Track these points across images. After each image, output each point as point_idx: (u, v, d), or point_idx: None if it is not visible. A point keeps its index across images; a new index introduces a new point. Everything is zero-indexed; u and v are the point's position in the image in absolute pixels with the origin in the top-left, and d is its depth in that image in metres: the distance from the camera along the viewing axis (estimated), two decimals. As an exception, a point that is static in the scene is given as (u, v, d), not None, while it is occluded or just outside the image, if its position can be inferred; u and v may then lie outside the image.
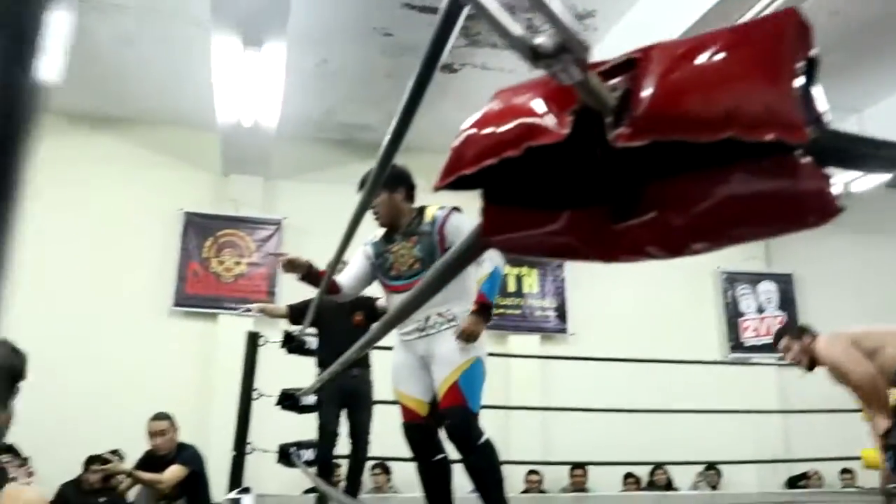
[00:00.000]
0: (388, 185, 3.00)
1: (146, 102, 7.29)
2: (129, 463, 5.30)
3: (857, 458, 5.03)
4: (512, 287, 8.17)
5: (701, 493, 7.13)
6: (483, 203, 0.66)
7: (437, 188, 0.67)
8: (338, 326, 4.13)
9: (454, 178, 0.63)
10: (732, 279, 8.92)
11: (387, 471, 6.65)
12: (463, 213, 2.98)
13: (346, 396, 4.24)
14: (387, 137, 1.65)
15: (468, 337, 2.76)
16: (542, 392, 7.65)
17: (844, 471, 7.62)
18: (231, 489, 4.88)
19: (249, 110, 6.35)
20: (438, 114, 7.61)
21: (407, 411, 2.96)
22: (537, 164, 0.60)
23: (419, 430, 2.95)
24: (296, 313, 4.58)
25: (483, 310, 2.81)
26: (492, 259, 2.82)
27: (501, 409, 7.24)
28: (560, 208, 0.61)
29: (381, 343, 3.74)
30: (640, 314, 8.38)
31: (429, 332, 2.89)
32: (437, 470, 2.93)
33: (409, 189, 3.08)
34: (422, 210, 3.04)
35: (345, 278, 3.22)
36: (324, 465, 4.11)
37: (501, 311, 8.03)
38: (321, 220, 6.21)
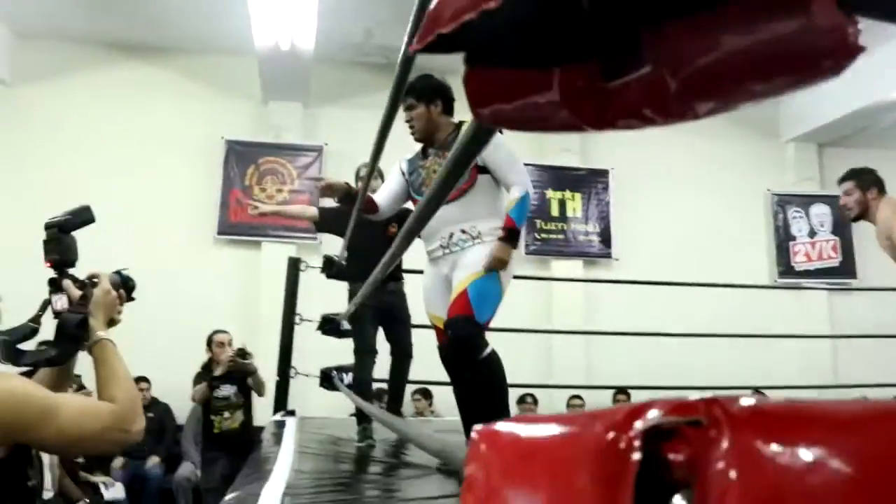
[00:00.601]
0: (425, 97, 2.92)
1: (184, 30, 7.23)
2: (188, 374, 5.46)
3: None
4: (555, 211, 8.05)
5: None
6: (465, 69, 0.59)
7: (414, 51, 0.60)
8: (370, 239, 3.85)
9: (432, 39, 0.57)
10: (784, 201, 8.64)
11: (427, 395, 6.72)
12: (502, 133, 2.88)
13: (382, 313, 4.10)
14: (403, 46, 1.58)
15: (497, 264, 2.68)
16: (585, 317, 7.61)
17: (896, 397, 7.47)
18: (276, 412, 5.01)
19: (286, 33, 6.25)
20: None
21: (440, 332, 2.91)
22: (522, 20, 0.54)
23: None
24: (324, 218, 4.43)
25: (511, 235, 2.72)
26: (520, 183, 2.77)
27: (544, 332, 7.26)
28: (547, 66, 0.54)
29: (413, 265, 3.75)
30: (687, 238, 8.20)
31: (452, 250, 2.83)
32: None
33: (448, 102, 2.98)
34: (460, 125, 2.94)
35: (381, 196, 3.17)
36: (363, 386, 4.07)
37: (544, 235, 7.95)
38: (362, 146, 6.06)
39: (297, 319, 5.19)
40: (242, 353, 5.14)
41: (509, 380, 6.14)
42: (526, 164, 8.02)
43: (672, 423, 0.40)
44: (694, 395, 0.39)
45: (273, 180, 7.49)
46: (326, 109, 7.79)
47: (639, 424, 0.40)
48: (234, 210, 7.32)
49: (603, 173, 8.20)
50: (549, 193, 8.06)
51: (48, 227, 1.62)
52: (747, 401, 0.39)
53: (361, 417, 3.95)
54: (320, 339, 4.79)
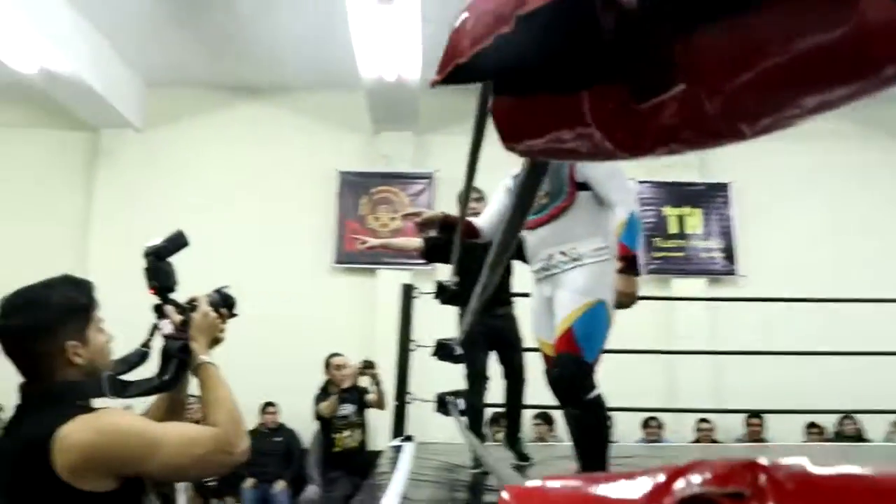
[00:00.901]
0: None
1: (295, 69, 7.52)
2: (311, 399, 5.65)
3: None
4: (674, 228, 7.76)
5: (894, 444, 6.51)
6: (492, 100, 0.54)
7: (434, 84, 0.56)
8: (479, 263, 3.89)
9: (451, 70, 0.53)
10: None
11: (548, 420, 6.58)
12: None
13: (492, 337, 4.02)
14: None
15: (626, 300, 2.48)
16: (710, 337, 7.24)
17: None
18: (394, 437, 5.03)
19: (391, 65, 6.38)
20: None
21: (546, 357, 2.79)
22: (542, 43, 0.49)
23: None
24: (430, 249, 4.26)
25: (629, 265, 2.49)
26: (622, 202, 2.53)
27: (664, 353, 6.96)
28: (575, 90, 0.49)
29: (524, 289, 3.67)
30: (819, 251, 7.68)
31: (552, 272, 2.65)
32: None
33: None
34: None
35: (484, 218, 3.06)
36: (474, 413, 4.03)
37: (663, 254, 7.67)
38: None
39: (412, 345, 5.21)
40: (368, 365, 5.46)
41: (632, 402, 5.96)
42: (641, 182, 7.90)
43: (711, 494, 0.37)
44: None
45: (386, 209, 7.62)
46: (436, 136, 7.87)
47: (677, 489, 0.37)
48: (349, 240, 7.49)
49: (722, 187, 7.85)
50: (667, 210, 7.78)
51: (146, 254, 1.68)
52: (797, 467, 0.36)
53: (510, 442, 3.93)
54: (439, 364, 4.78)
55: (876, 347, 5.76)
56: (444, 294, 4.53)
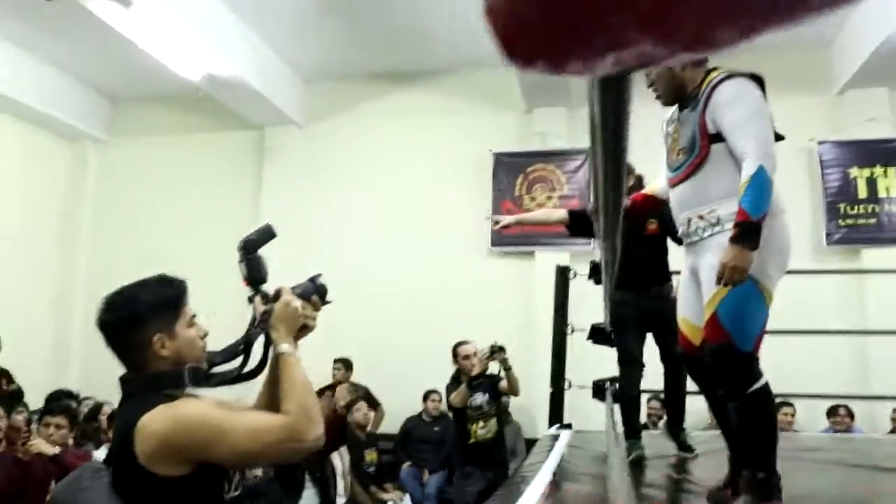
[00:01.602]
0: None
1: (445, 51, 7.48)
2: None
3: None
4: (863, 192, 6.94)
5: None
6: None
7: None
8: (628, 239, 3.53)
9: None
10: None
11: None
12: (742, 79, 2.25)
13: (647, 320, 3.66)
14: None
15: (730, 275, 2.06)
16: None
17: None
18: (551, 425, 4.88)
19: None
20: None
21: (681, 337, 2.51)
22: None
23: (695, 363, 2.48)
24: (575, 221, 3.74)
25: (745, 233, 2.05)
26: (752, 153, 2.11)
27: (857, 334, 6.28)
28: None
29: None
30: None
31: (692, 239, 2.34)
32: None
33: None
34: (708, 73, 2.33)
35: (659, 183, 2.73)
36: (627, 400, 3.76)
37: (850, 221, 6.89)
38: (634, 143, 5.83)
39: (568, 329, 5.02)
40: (497, 349, 5.08)
41: (818, 388, 5.44)
42: (821, 142, 7.16)
43: None
44: None
45: (542, 188, 7.43)
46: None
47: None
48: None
49: (924, 140, 6.93)
50: (854, 172, 6.97)
51: (239, 248, 1.73)
52: None
53: (629, 432, 3.65)
54: (600, 349, 4.56)
55: None
56: (599, 274, 4.31)
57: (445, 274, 7.52)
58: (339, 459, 5.16)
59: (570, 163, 7.43)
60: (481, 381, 5.08)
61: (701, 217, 2.28)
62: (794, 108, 7.20)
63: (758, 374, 2.21)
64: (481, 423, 5.04)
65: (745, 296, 2.14)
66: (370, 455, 5.77)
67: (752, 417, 2.23)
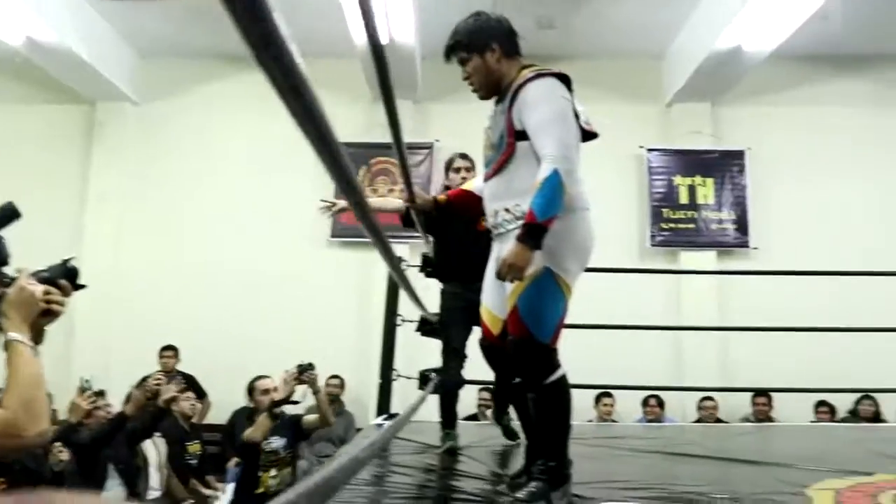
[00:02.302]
0: (477, 45, 2.35)
1: (296, 36, 7.30)
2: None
3: None
4: (684, 199, 7.45)
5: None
6: None
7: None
8: (460, 233, 3.52)
9: None
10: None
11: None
12: (550, 79, 2.27)
13: (475, 311, 3.76)
14: None
15: (507, 271, 2.10)
16: (719, 312, 6.98)
17: None
18: (378, 415, 4.88)
19: (383, 29, 6.15)
20: (598, 16, 7.01)
21: (482, 326, 2.54)
22: None
23: (493, 352, 2.53)
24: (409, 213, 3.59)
25: (529, 233, 2.09)
26: (550, 156, 2.13)
27: (671, 329, 6.72)
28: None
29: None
30: (838, 223, 7.35)
31: (499, 231, 2.38)
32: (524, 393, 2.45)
33: (508, 42, 2.38)
34: (521, 71, 2.34)
35: (478, 181, 2.72)
36: (445, 391, 3.80)
37: (672, 225, 7.38)
38: (474, 141, 5.92)
39: (398, 321, 5.04)
40: (305, 368, 4.35)
41: (636, 380, 5.75)
42: (650, 150, 7.65)
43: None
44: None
45: (384, 180, 7.43)
46: (436, 105, 7.64)
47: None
48: (346, 214, 7.30)
49: (738, 154, 7.51)
50: (678, 180, 7.47)
51: None
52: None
53: (445, 423, 3.70)
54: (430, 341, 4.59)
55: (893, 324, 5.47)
56: (429, 266, 4.34)
57: (284, 264, 7.38)
58: (155, 450, 4.91)
59: (413, 156, 7.45)
60: (281, 415, 4.31)
61: (507, 210, 2.31)
62: (627, 116, 7.63)
63: (556, 366, 2.28)
64: (273, 472, 4.19)
65: (543, 289, 2.19)
66: (193, 447, 5.54)
67: (548, 408, 2.30)
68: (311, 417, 4.44)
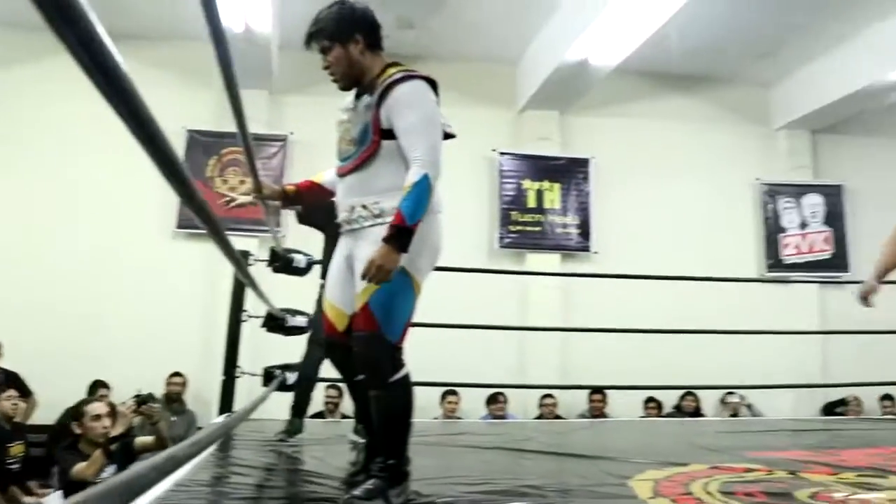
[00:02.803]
0: (340, 35, 2.32)
1: (142, 17, 6.95)
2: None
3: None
4: (532, 202, 7.73)
5: (724, 419, 6.75)
6: None
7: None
8: (332, 230, 3.52)
9: None
10: (774, 192, 8.29)
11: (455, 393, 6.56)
12: (420, 82, 2.29)
13: None
14: None
15: (375, 275, 2.12)
16: (562, 313, 7.30)
17: (885, 397, 7.13)
18: (220, 413, 4.73)
19: (239, 15, 5.96)
20: (456, 19, 7.12)
21: (326, 321, 2.49)
22: None
23: (336, 349, 2.49)
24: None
25: (397, 236, 2.12)
26: (421, 161, 2.18)
27: (517, 329, 6.97)
28: None
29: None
30: (672, 230, 7.90)
31: (353, 227, 2.35)
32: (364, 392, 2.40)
33: (371, 36, 2.36)
34: (387, 68, 2.34)
35: (329, 174, 2.63)
36: (301, 378, 3.81)
37: (520, 228, 7.64)
38: (329, 135, 5.84)
39: (244, 316, 4.90)
40: (145, 399, 4.07)
41: (481, 378, 5.87)
42: (502, 154, 7.87)
43: None
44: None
45: (235, 172, 7.21)
46: (292, 97, 7.50)
47: None
48: (194, 202, 7.03)
49: (583, 162, 7.89)
50: (526, 184, 7.75)
51: None
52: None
53: (295, 411, 3.69)
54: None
55: (719, 325, 5.94)
56: (278, 262, 4.26)
57: (125, 255, 6.99)
58: (-32, 454, 4.51)
59: (266, 148, 7.30)
60: (116, 449, 3.92)
61: (365, 207, 2.29)
62: (481, 119, 7.81)
63: (400, 364, 2.28)
64: None
65: (398, 288, 2.21)
66: (15, 448, 5.12)
67: (390, 406, 2.31)
68: (146, 440, 4.12)
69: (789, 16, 6.93)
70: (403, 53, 6.01)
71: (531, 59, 7.60)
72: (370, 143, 2.26)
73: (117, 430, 3.94)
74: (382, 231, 2.17)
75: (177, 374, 6.62)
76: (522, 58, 7.80)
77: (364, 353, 2.27)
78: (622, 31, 6.12)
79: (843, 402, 7.15)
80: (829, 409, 7.25)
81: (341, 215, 2.42)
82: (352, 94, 2.45)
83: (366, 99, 2.32)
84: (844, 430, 4.73)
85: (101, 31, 0.65)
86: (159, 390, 6.20)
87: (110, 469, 3.84)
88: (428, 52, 7.30)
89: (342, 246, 2.47)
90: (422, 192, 2.15)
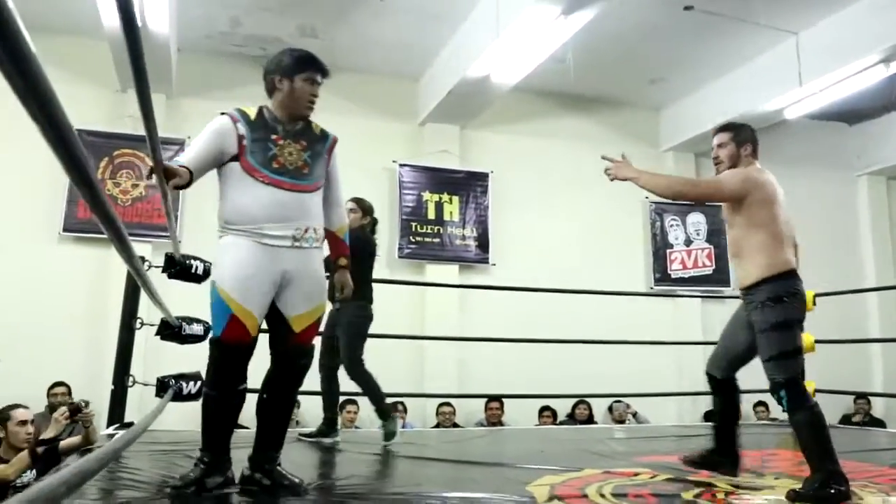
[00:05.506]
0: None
1: (27, 8, 6.61)
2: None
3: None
4: (431, 214, 7.83)
5: (610, 426, 7.04)
6: None
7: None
8: None
9: None
10: (661, 210, 8.73)
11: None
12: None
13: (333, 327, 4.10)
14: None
15: (346, 296, 2.96)
16: (459, 324, 7.41)
17: (759, 403, 7.60)
18: (110, 424, 4.55)
19: (137, 15, 5.76)
20: (360, 31, 7.16)
21: (239, 327, 2.51)
22: None
23: (246, 354, 2.58)
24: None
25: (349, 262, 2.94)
26: (344, 206, 2.94)
27: (415, 339, 7.04)
28: None
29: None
30: (565, 245, 8.17)
31: (301, 245, 2.59)
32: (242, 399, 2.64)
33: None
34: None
35: (196, 161, 2.65)
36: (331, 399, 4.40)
37: (419, 239, 7.72)
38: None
39: (136, 323, 4.74)
40: (78, 408, 4.06)
41: (384, 388, 5.90)
42: (402, 165, 7.94)
43: None
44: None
45: (128, 175, 6.96)
46: (192, 101, 7.31)
47: None
48: (83, 205, 6.72)
49: (482, 176, 8.06)
50: (426, 195, 7.83)
51: None
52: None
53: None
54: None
55: (610, 336, 6.19)
56: (174, 268, 4.15)
57: (6, 259, 6.60)
58: None
59: (164, 152, 7.05)
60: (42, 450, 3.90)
61: (315, 230, 2.65)
62: (383, 131, 7.87)
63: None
64: None
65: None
66: None
67: (290, 408, 2.73)
68: (73, 440, 4.03)
69: (679, 46, 7.33)
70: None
71: (434, 74, 7.72)
72: (322, 177, 2.72)
73: (49, 434, 3.94)
74: (320, 254, 2.71)
75: (59, 383, 6.29)
76: (425, 72, 7.90)
77: (304, 364, 2.70)
78: (522, 51, 6.31)
79: (720, 409, 7.55)
80: (709, 416, 7.64)
81: (288, 231, 2.55)
82: (252, 112, 2.67)
83: (315, 140, 2.72)
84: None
85: (17, 19, 0.64)
86: (41, 402, 5.89)
87: (30, 473, 3.77)
88: (331, 62, 7.20)
89: (280, 258, 2.55)
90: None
